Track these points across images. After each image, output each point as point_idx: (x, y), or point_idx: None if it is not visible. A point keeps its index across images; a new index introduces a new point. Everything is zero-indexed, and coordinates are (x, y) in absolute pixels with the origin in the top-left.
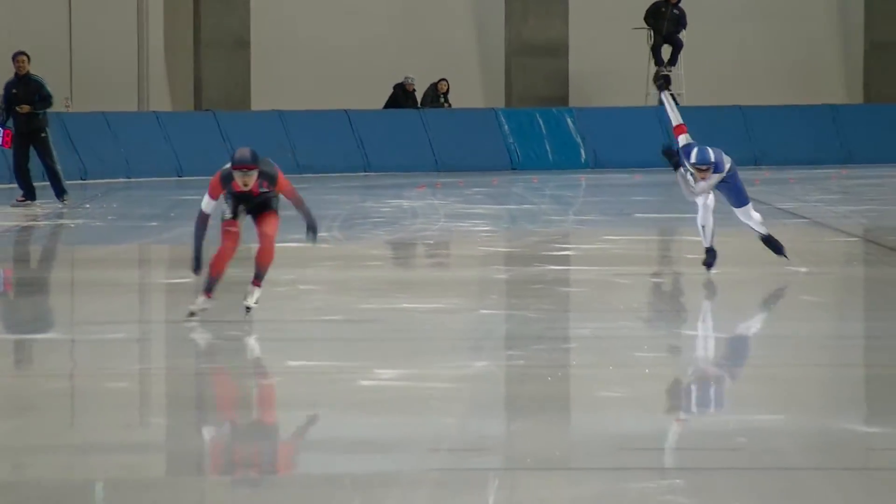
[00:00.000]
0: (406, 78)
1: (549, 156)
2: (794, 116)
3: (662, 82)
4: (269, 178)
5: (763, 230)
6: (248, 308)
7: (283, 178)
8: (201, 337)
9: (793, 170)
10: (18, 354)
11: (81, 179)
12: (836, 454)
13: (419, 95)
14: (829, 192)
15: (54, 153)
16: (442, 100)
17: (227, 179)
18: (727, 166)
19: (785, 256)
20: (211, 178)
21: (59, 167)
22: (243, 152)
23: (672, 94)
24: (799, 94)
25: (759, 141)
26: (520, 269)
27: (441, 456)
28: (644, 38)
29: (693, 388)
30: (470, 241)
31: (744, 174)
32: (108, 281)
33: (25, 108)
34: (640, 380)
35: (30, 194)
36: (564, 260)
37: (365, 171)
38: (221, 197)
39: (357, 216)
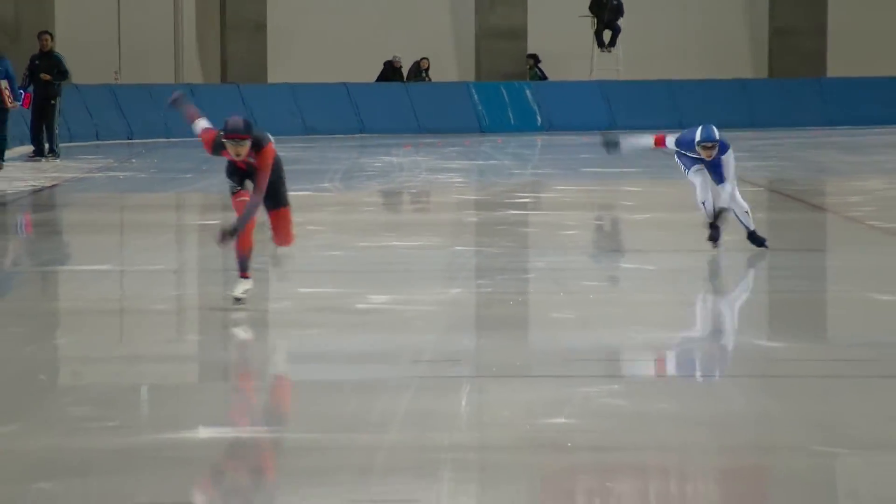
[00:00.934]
0: (394, 57)
1: (511, 121)
2: (710, 89)
3: (611, 148)
4: (256, 146)
5: (751, 225)
6: (238, 299)
7: (268, 152)
8: (227, 267)
9: None
10: (77, 282)
11: (128, 139)
12: (744, 364)
13: (405, 71)
14: (739, 151)
15: (57, 119)
16: (423, 75)
17: (218, 147)
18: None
19: (766, 247)
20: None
21: (57, 131)
22: (236, 121)
23: (616, 143)
24: (715, 70)
25: (682, 109)
26: (487, 214)
27: (422, 366)
28: (589, 24)
29: (629, 310)
30: (446, 191)
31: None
32: (151, 222)
33: (46, 77)
34: (585, 304)
35: (39, 152)
36: (523, 206)
37: (360, 133)
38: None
39: (354, 170)
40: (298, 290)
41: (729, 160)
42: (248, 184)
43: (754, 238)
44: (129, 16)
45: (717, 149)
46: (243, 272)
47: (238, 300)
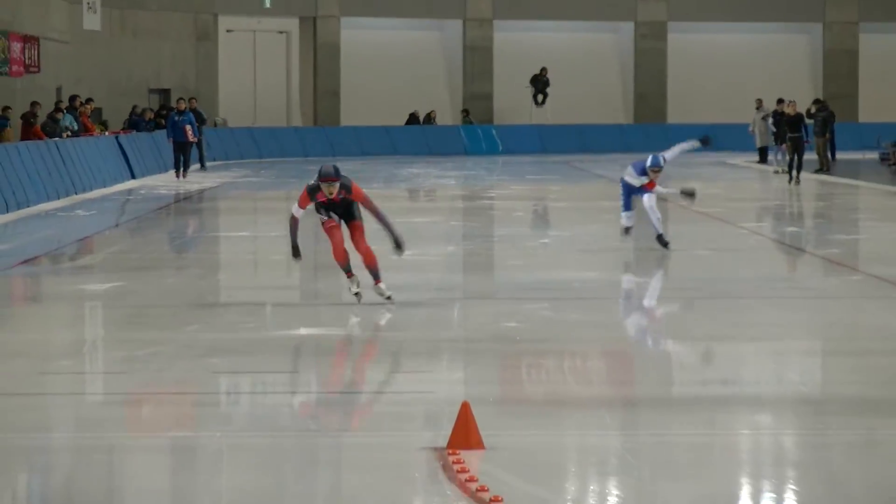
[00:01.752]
0: (415, 111)
1: (483, 148)
2: (600, 129)
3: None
4: (346, 187)
5: (659, 226)
6: (388, 297)
7: (357, 187)
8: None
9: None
10: (230, 242)
11: (259, 159)
12: (618, 289)
13: (421, 118)
14: (619, 165)
15: (202, 147)
16: (432, 121)
17: (314, 191)
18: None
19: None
20: (301, 191)
21: (205, 153)
22: (328, 168)
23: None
24: (603, 118)
25: (584, 141)
26: (469, 203)
27: (432, 292)
28: (530, 92)
29: (554, 259)
30: (444, 188)
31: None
32: (272, 207)
33: (189, 131)
34: (528, 256)
35: (182, 173)
36: (490, 198)
37: (394, 155)
38: (311, 207)
39: (390, 177)
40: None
41: (656, 187)
42: (334, 216)
43: (661, 240)
44: (263, 85)
45: (660, 173)
46: (349, 273)
47: (357, 294)
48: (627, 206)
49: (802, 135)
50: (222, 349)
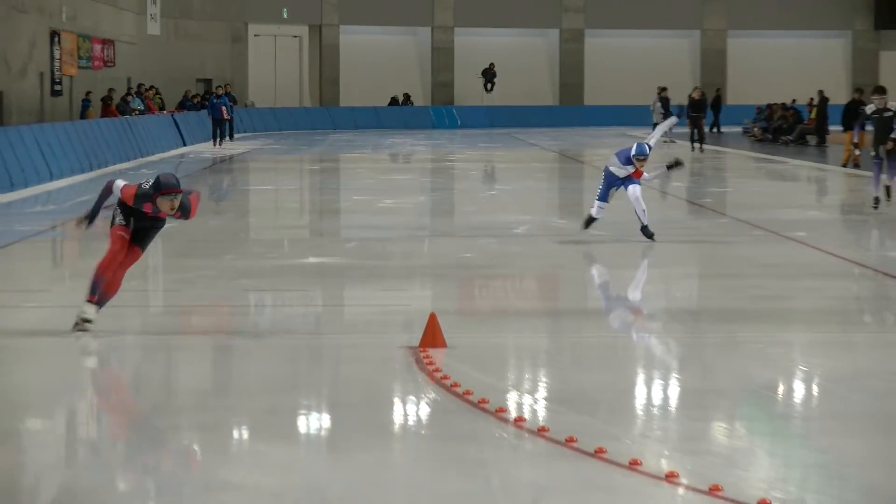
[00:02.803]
0: (395, 96)
1: (446, 123)
2: (533, 110)
3: (674, 165)
4: (184, 208)
5: (644, 217)
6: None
7: (195, 207)
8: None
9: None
10: (255, 194)
11: (278, 131)
12: (550, 228)
13: (399, 101)
14: (549, 139)
15: (232, 124)
16: (409, 102)
17: (143, 199)
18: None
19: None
20: (127, 185)
21: (234, 127)
22: (170, 178)
23: (681, 163)
24: (536, 101)
25: (523, 120)
26: (435, 164)
27: (407, 231)
28: (481, 81)
29: (499, 205)
30: (417, 153)
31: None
32: (289, 167)
33: (224, 110)
34: (480, 203)
35: (218, 141)
36: (452, 161)
37: (379, 129)
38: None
39: (376, 145)
40: (353, 197)
41: (643, 175)
42: (130, 228)
43: (646, 231)
44: (281, 75)
45: (646, 161)
46: (93, 294)
47: (83, 322)
48: (604, 198)
49: (702, 114)
50: (251, 273)
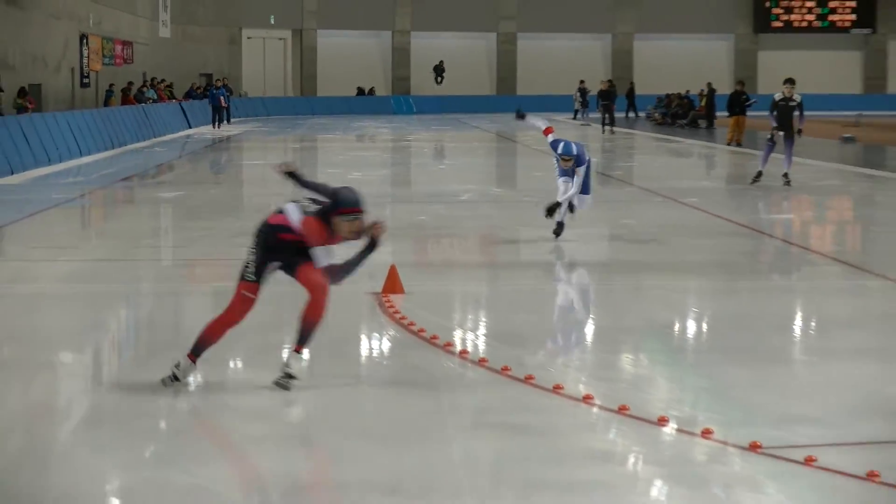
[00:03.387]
0: (362, 87)
1: (404, 110)
2: (471, 99)
3: (518, 116)
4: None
5: (563, 204)
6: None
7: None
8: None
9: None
10: (247, 168)
11: (266, 116)
12: (488, 193)
13: (366, 91)
14: (480, 119)
15: (229, 111)
16: (374, 92)
17: (339, 225)
18: (587, 160)
19: (556, 233)
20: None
21: (231, 114)
22: (350, 193)
23: (524, 115)
24: (477, 90)
25: (460, 107)
26: (395, 143)
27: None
28: (432, 75)
29: (448, 176)
30: (380, 134)
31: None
32: (276, 147)
33: (222, 99)
34: (432, 175)
35: (217, 125)
36: (409, 140)
37: (349, 114)
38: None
39: (346, 128)
40: (327, 170)
41: (580, 171)
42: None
43: (558, 224)
44: (269, 70)
45: (573, 162)
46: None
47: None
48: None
49: (611, 102)
50: (245, 233)
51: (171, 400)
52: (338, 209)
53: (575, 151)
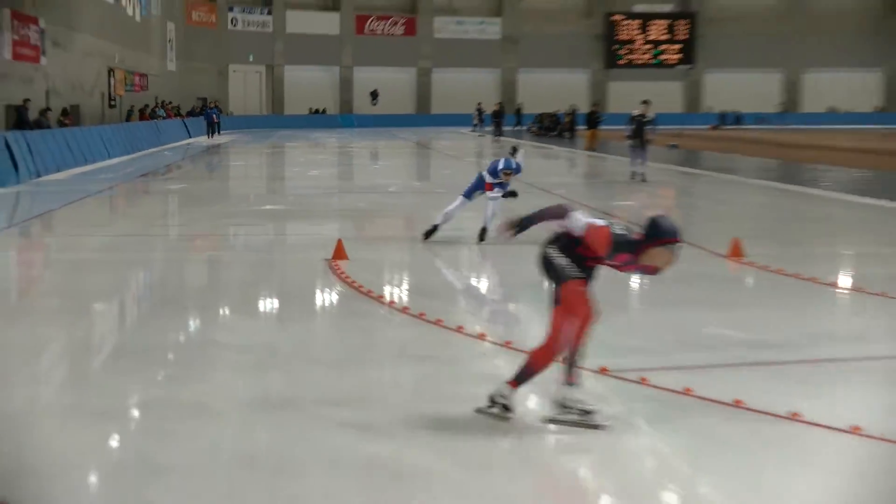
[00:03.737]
0: (316, 108)
1: (349, 123)
2: (407, 118)
3: (510, 195)
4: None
5: (488, 223)
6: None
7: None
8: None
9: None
10: (234, 168)
11: (248, 129)
12: (411, 188)
13: (322, 111)
14: (416, 135)
15: (220, 124)
16: (325, 111)
17: (623, 247)
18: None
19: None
20: (590, 229)
21: (219, 127)
22: (670, 221)
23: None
24: (405, 110)
25: (403, 127)
26: (341, 149)
27: (321, 190)
28: (369, 99)
29: (382, 174)
30: (329, 142)
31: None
32: (259, 151)
33: (214, 117)
34: (370, 173)
35: (211, 135)
36: (351, 147)
37: (307, 128)
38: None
39: (304, 138)
40: (292, 168)
41: (491, 191)
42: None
43: (482, 233)
44: (249, 96)
45: (512, 174)
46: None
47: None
48: (467, 195)
49: (501, 119)
50: (232, 214)
51: (176, 337)
52: (660, 238)
53: (513, 165)
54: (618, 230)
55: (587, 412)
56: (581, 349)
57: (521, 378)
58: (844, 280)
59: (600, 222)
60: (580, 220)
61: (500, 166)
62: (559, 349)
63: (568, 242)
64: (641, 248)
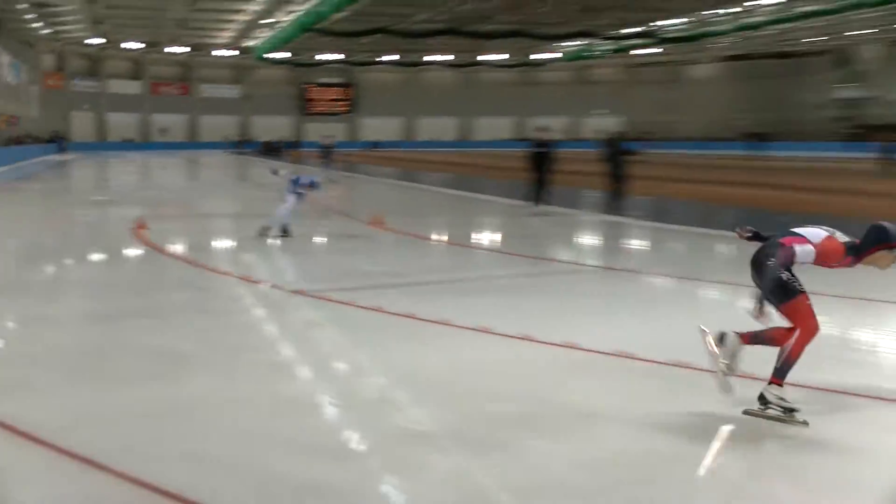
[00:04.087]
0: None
1: (144, 147)
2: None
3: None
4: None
5: (273, 223)
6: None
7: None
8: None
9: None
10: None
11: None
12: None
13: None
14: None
15: None
16: (132, 140)
17: (848, 252)
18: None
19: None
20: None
21: (66, 149)
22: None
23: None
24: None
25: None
26: (143, 162)
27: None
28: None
29: (185, 175)
30: (136, 160)
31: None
32: (90, 163)
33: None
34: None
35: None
36: (149, 162)
37: (127, 151)
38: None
39: (127, 157)
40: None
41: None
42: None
43: (262, 229)
44: (84, 128)
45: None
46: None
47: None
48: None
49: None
50: (213, 195)
51: (191, 316)
52: (888, 243)
53: (313, 181)
54: (844, 238)
55: (791, 410)
56: (797, 359)
57: (781, 375)
58: (438, 237)
59: (830, 233)
60: (818, 233)
61: (305, 181)
62: (812, 335)
63: (787, 255)
64: (868, 252)
